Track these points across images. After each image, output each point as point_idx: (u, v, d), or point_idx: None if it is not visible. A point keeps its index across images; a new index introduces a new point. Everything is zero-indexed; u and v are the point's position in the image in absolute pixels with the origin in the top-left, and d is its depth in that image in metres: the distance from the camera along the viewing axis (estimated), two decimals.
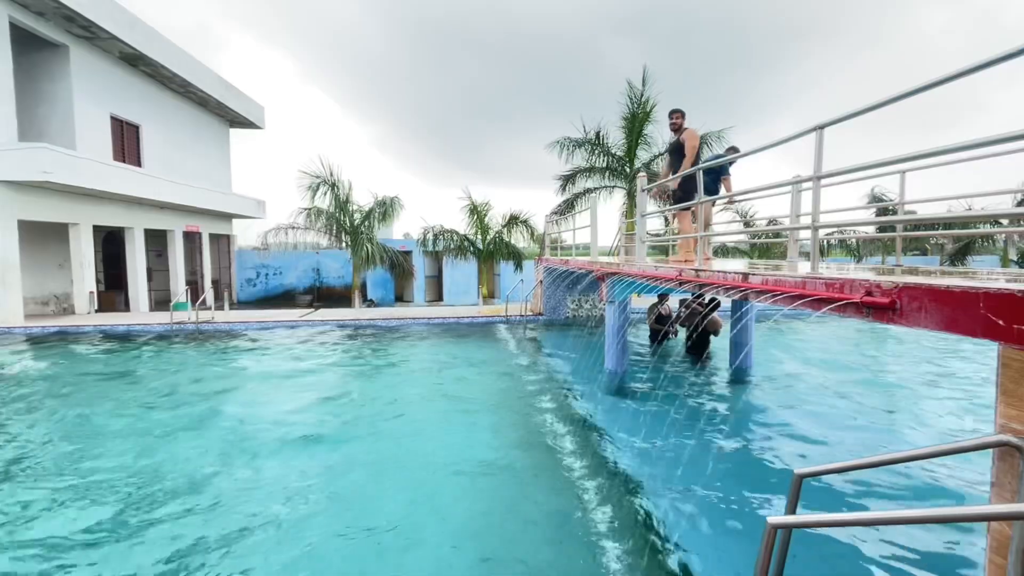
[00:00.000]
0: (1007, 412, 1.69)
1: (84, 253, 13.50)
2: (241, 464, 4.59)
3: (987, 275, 3.14)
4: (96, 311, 13.79)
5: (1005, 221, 11.81)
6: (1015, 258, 19.89)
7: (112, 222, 14.57)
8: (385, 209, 16.58)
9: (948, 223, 8.56)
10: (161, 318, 12.48)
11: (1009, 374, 1.69)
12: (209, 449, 4.92)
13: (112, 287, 16.68)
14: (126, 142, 14.94)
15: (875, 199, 17.42)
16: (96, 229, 14.39)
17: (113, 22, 12.95)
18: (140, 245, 15.50)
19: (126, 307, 15.43)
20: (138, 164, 15.23)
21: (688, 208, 5.84)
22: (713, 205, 7.26)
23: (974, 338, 1.86)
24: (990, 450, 1.72)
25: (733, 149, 7.79)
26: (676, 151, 6.41)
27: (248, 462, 4.63)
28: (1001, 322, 1.72)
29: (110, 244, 16.78)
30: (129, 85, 15.00)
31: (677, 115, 6.41)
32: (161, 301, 17.07)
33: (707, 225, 6.52)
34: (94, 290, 13.91)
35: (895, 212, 6.39)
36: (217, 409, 6.17)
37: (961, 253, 20.01)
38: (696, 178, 4.81)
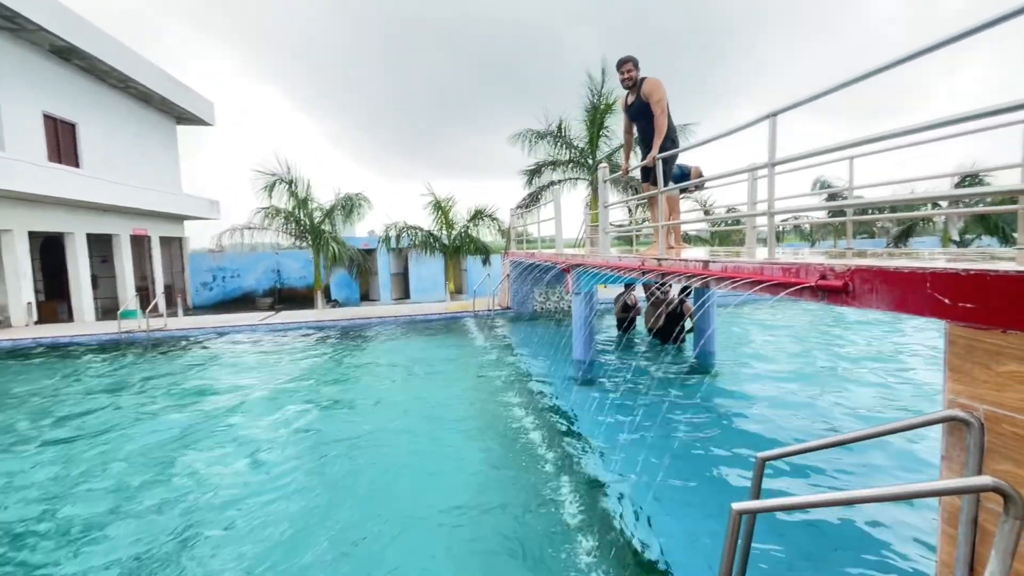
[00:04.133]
0: (954, 388, 1.74)
1: (19, 262, 12.60)
2: (206, 470, 4.38)
3: (929, 255, 3.27)
4: (36, 323, 12.92)
5: (944, 203, 12.51)
6: (956, 238, 21.13)
7: (50, 227, 13.64)
8: (352, 206, 16.15)
9: (893, 207, 8.98)
10: (108, 327, 11.77)
11: (955, 350, 1.74)
12: (152, 466, 4.67)
13: (53, 296, 15.66)
14: (61, 141, 13.97)
15: (823, 186, 18.14)
16: (32, 235, 13.44)
17: (38, 12, 12.01)
18: (82, 251, 14.58)
19: (70, 317, 14.51)
20: (76, 165, 14.28)
21: (663, 192, 4.72)
22: (681, 192, 6.86)
23: (922, 316, 1.91)
24: (940, 425, 1.77)
25: (699, 173, 6.82)
26: (640, 113, 5.07)
27: (212, 465, 4.42)
28: (947, 300, 1.77)
29: (49, 251, 15.72)
30: (63, 80, 14.01)
31: (628, 65, 4.99)
32: (109, 309, 16.14)
33: (677, 213, 5.96)
34: (32, 301, 13.03)
35: (845, 197, 6.63)
36: (162, 421, 5.86)
37: (904, 235, 21.17)
38: (658, 167, 4.81)
